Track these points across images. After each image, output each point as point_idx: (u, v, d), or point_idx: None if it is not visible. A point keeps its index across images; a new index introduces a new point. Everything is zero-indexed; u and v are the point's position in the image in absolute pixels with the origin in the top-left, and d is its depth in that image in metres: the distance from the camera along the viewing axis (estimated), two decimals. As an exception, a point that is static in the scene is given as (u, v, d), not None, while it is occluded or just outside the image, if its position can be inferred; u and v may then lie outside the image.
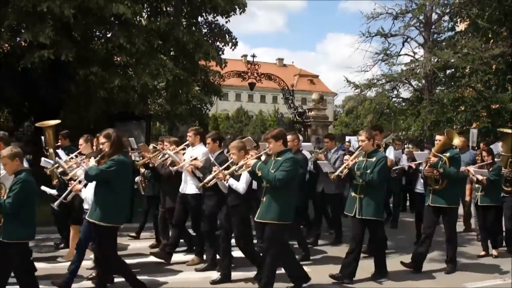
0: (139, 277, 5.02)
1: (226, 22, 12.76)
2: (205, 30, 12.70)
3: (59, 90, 10.96)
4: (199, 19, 12.52)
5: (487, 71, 22.37)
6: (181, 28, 11.00)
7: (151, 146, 7.61)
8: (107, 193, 4.66)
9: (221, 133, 7.35)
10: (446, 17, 24.53)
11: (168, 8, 11.87)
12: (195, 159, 5.96)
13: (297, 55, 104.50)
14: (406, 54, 25.00)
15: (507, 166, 7.15)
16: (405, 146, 29.03)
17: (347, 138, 13.11)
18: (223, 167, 5.28)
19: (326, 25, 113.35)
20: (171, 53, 11.93)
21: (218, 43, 12.80)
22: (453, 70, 24.05)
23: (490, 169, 6.96)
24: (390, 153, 7.29)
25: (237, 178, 5.32)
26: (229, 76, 17.83)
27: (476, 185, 7.18)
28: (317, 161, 7.39)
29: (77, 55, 9.41)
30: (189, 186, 6.10)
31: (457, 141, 6.33)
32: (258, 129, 46.32)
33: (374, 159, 5.46)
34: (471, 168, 7.03)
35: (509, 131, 7.63)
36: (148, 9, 11.79)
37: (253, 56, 19.36)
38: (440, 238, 8.17)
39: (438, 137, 6.48)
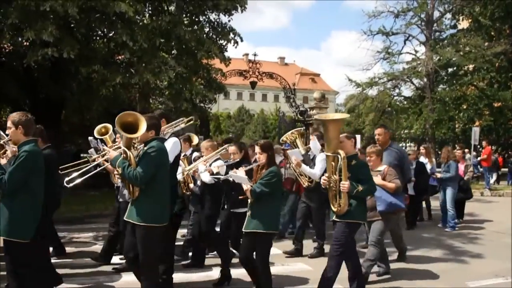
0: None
1: (229, 20, 12.84)
2: (208, 29, 12.72)
3: (61, 88, 10.98)
4: (201, 17, 12.55)
5: (490, 69, 22.33)
6: (183, 26, 11.02)
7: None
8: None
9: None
10: (448, 15, 24.54)
11: (169, 7, 11.88)
12: None
13: (300, 53, 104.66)
14: (407, 53, 25.08)
15: (332, 172, 4.43)
16: (407, 144, 28.83)
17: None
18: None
19: (331, 23, 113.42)
20: (173, 51, 11.95)
21: (221, 41, 12.81)
22: (455, 68, 24.00)
23: (262, 176, 4.46)
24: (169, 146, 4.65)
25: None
26: (231, 75, 17.82)
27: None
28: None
29: (79, 54, 9.43)
30: None
31: (142, 128, 4.06)
32: (260, 128, 46.34)
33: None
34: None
35: (336, 116, 4.86)
36: (150, 8, 11.81)
37: (255, 54, 19.42)
38: (443, 237, 8.21)
39: None
